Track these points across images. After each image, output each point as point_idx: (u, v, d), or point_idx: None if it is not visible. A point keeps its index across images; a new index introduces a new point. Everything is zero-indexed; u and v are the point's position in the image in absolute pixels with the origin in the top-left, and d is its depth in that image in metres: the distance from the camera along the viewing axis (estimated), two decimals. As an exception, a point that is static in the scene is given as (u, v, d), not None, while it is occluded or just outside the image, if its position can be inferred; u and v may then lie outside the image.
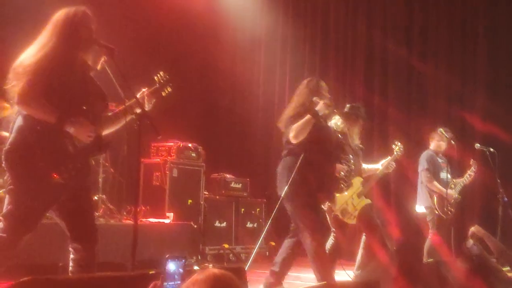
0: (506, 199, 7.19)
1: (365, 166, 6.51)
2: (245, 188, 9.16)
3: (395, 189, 9.15)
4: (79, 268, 3.64)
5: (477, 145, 7.62)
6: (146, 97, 4.00)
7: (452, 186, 7.10)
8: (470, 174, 7.33)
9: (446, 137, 7.18)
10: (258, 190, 9.49)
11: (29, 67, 3.50)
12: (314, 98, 5.17)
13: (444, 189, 7.01)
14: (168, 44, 9.04)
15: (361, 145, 6.38)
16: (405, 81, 9.73)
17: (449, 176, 7.12)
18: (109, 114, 3.93)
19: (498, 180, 7.25)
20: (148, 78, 4.18)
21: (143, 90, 4.04)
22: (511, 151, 8.17)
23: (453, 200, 7.06)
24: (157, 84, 4.12)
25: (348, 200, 5.98)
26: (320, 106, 5.07)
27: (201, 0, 10.12)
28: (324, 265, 5.10)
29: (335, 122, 6.19)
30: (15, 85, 3.51)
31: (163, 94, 4.17)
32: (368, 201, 6.29)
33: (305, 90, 5.32)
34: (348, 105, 6.33)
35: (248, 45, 11.12)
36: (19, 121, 3.59)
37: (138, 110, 3.79)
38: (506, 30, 8.93)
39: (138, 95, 3.93)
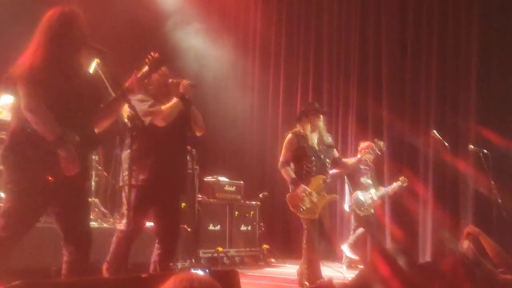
0: (500, 200, 7.19)
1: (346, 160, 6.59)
2: (239, 191, 9.13)
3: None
4: (72, 271, 3.63)
5: (471, 147, 7.67)
6: (136, 82, 3.86)
7: (372, 190, 7.84)
8: (393, 187, 8.03)
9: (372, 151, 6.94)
10: (252, 193, 9.47)
11: (24, 74, 3.47)
12: (170, 80, 4.67)
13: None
14: (159, 45, 8.97)
15: (330, 140, 6.24)
16: (398, 85, 9.73)
17: (369, 181, 7.92)
18: (102, 105, 3.87)
19: (492, 182, 7.24)
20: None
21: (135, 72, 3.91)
22: (505, 153, 8.16)
23: (370, 201, 7.77)
24: (148, 66, 4.02)
25: (305, 197, 5.89)
26: (186, 88, 4.58)
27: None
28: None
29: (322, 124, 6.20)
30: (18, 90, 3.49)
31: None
32: (331, 196, 6.24)
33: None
34: (302, 108, 6.35)
35: (242, 47, 11.11)
36: (12, 126, 3.62)
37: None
38: (498, 32, 8.96)
39: (127, 83, 3.86)
